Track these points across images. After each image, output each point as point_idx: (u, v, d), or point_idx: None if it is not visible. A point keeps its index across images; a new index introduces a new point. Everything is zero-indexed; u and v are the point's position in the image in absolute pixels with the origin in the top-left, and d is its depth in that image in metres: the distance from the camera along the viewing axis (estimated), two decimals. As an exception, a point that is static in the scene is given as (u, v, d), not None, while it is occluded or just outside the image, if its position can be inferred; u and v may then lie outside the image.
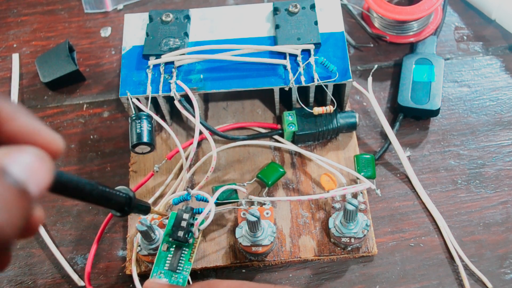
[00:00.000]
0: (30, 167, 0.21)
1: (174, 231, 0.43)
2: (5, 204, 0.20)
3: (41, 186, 0.21)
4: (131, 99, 0.48)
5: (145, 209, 0.36)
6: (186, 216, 0.43)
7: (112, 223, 0.50)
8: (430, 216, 0.49)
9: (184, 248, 0.43)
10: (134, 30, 0.52)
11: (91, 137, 0.55)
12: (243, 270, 0.47)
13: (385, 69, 0.57)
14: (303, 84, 0.48)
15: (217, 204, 0.46)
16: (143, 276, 0.47)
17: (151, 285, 0.36)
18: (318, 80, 0.47)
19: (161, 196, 0.50)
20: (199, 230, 0.43)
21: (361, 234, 0.45)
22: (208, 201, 0.45)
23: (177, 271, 0.43)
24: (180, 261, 0.43)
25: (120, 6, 0.64)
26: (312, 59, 0.49)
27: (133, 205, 0.33)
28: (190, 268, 0.43)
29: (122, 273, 0.48)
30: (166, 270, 0.43)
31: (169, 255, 0.43)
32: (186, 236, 0.43)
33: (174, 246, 0.44)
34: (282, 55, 0.49)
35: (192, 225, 0.43)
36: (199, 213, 0.45)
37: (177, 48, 0.49)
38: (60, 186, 0.24)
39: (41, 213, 0.24)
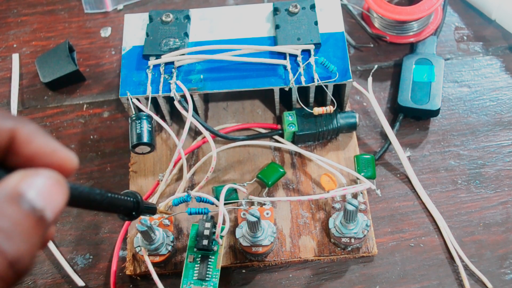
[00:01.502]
0: (47, 192, 0.21)
1: (198, 241, 0.44)
2: (24, 233, 0.20)
3: (57, 210, 0.21)
4: (131, 99, 0.48)
5: (152, 211, 0.36)
6: (208, 225, 0.44)
7: (112, 223, 0.50)
8: (430, 216, 0.49)
9: (210, 256, 0.45)
10: (134, 30, 0.52)
11: (91, 137, 0.55)
12: (243, 270, 0.47)
13: (385, 69, 0.57)
14: (303, 84, 0.48)
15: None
16: (143, 276, 0.47)
17: None
18: (318, 80, 0.47)
19: (161, 196, 0.50)
20: (222, 237, 0.44)
21: (361, 234, 0.45)
22: (213, 204, 0.45)
23: (206, 279, 0.44)
24: (208, 269, 0.44)
25: (120, 6, 0.64)
26: (312, 59, 0.49)
27: (141, 209, 0.32)
28: (218, 274, 0.44)
29: (122, 273, 0.48)
30: (196, 280, 0.44)
31: (196, 265, 0.45)
32: (211, 244, 0.44)
33: (199, 256, 0.45)
34: (282, 55, 0.49)
35: (214, 233, 0.44)
36: (200, 213, 0.45)
37: (177, 48, 0.49)
38: (73, 201, 0.24)
39: (52, 229, 0.24)
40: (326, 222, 0.47)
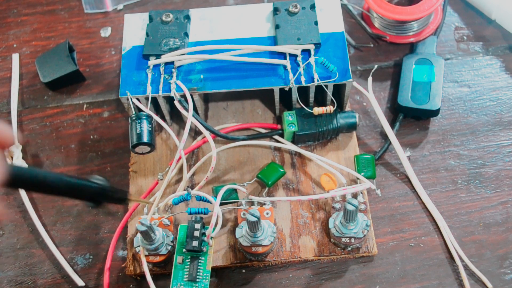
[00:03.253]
0: None
1: (188, 242, 0.44)
2: None
3: None
4: (131, 99, 0.48)
5: (120, 199, 0.35)
6: (197, 226, 0.44)
7: (112, 223, 0.50)
8: (430, 216, 0.49)
9: (200, 257, 0.45)
10: (134, 30, 0.52)
11: (91, 137, 0.55)
12: (243, 270, 0.47)
13: (385, 69, 0.57)
14: (303, 84, 0.48)
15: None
16: (143, 276, 0.47)
17: None
18: (318, 80, 0.47)
19: (161, 196, 0.50)
20: (212, 238, 0.44)
21: (361, 234, 0.45)
22: (211, 203, 0.45)
23: (197, 280, 0.44)
24: (198, 270, 0.44)
25: (120, 6, 0.64)
26: (312, 59, 0.49)
27: (107, 196, 0.32)
28: (209, 275, 0.44)
29: (122, 273, 0.48)
30: (186, 281, 0.44)
31: (186, 267, 0.44)
32: (201, 245, 0.44)
33: (189, 257, 0.45)
34: (282, 55, 0.49)
35: (204, 234, 0.44)
36: (200, 213, 0.45)
37: (177, 48, 0.49)
38: (18, 181, 0.23)
39: (1, 207, 0.24)
40: (326, 222, 0.47)
